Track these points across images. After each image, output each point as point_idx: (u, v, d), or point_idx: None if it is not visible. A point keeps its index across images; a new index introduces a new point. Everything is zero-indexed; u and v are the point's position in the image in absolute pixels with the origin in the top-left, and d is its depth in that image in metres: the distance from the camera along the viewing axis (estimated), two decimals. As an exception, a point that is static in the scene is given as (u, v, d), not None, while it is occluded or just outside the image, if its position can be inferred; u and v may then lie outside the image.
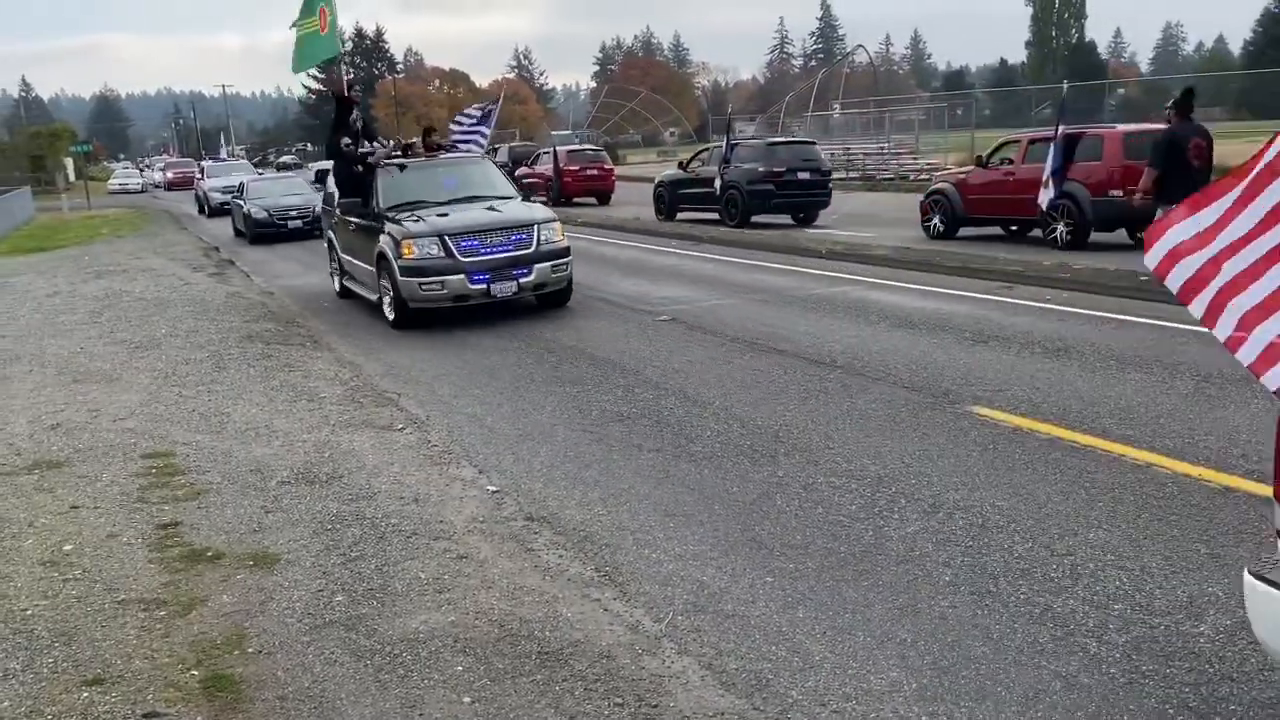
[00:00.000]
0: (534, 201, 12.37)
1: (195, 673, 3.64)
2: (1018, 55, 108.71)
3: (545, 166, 30.16)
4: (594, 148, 36.50)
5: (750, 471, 5.69)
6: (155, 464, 6.12)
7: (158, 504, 5.41)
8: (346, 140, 11.70)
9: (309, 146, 79.26)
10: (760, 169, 19.96)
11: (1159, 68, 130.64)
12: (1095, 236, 14.10)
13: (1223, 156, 25.91)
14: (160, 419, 7.20)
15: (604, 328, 10.15)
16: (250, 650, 3.81)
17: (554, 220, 10.99)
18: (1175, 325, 8.74)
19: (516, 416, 7.14)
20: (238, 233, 24.25)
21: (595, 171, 30.17)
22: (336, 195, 12.50)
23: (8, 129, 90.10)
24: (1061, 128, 13.05)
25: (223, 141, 58.73)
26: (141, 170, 76.10)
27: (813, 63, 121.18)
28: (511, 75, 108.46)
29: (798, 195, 20.22)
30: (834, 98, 46.26)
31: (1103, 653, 3.61)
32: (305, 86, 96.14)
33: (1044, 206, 13.51)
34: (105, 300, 13.53)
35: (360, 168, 11.59)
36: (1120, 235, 14.10)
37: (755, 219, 20.11)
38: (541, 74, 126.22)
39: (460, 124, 15.82)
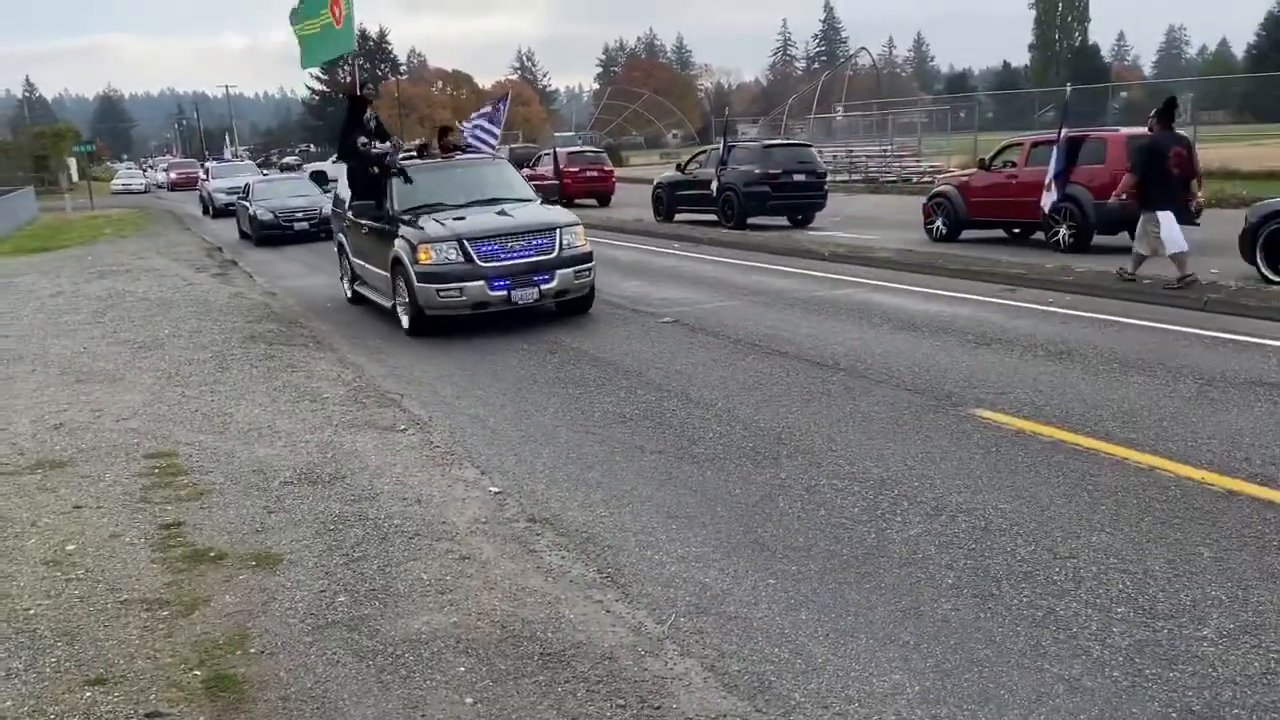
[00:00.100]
0: (553, 204, 11.91)
1: (198, 673, 3.65)
2: (1021, 58, 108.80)
3: (546, 168, 30.20)
4: (594, 149, 36.58)
5: (753, 473, 5.69)
6: (158, 464, 6.12)
7: (160, 504, 5.42)
8: (364, 140, 11.31)
9: (311, 147, 79.41)
10: (756, 171, 20.10)
11: (1162, 71, 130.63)
12: (1098, 239, 14.10)
13: (1226, 160, 25.95)
14: (163, 419, 7.21)
15: (606, 329, 10.15)
16: (253, 650, 3.81)
17: (576, 224, 10.59)
18: (1178, 328, 8.75)
19: (519, 418, 7.14)
20: (242, 234, 24.02)
21: (595, 173, 30.22)
22: (347, 197, 12.18)
23: (11, 129, 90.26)
24: (1064, 131, 13.04)
25: (227, 142, 58.76)
26: (145, 171, 76.19)
27: (816, 65, 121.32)
28: (515, 77, 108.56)
29: (793, 197, 20.36)
30: (837, 100, 46.30)
31: (1106, 656, 3.60)
32: (309, 87, 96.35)
33: (1047, 209, 13.51)
34: (108, 300, 13.55)
35: (377, 169, 11.16)
36: (1123, 238, 14.05)
37: (752, 220, 20.24)
38: (545, 75, 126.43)
39: (469, 123, 15.31)
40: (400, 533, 4.91)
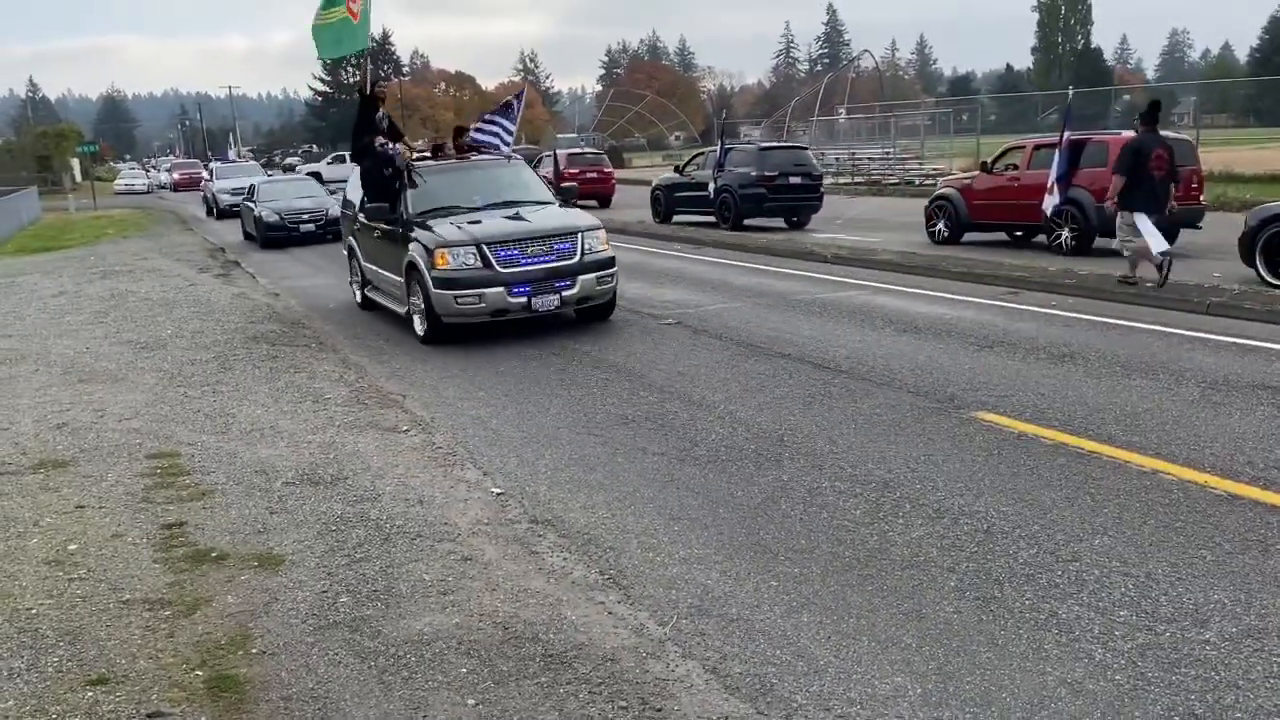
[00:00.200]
0: (572, 206, 11.46)
1: (200, 673, 3.65)
2: (1023, 61, 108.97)
3: (546, 170, 30.21)
4: (594, 151, 36.65)
5: (755, 475, 5.69)
6: (160, 464, 6.13)
7: (163, 504, 5.42)
8: (382, 140, 10.90)
9: (314, 148, 79.47)
10: (752, 173, 20.31)
11: (1165, 74, 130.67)
12: (1099, 242, 14.09)
13: (1228, 163, 25.92)
14: (165, 419, 7.22)
15: (608, 331, 10.15)
16: (254, 651, 3.81)
17: (598, 228, 10.26)
18: (1181, 331, 8.74)
19: (521, 419, 7.15)
20: (247, 236, 23.76)
21: (595, 175, 30.27)
22: (358, 199, 11.85)
23: (15, 129, 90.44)
24: (1067, 134, 13.05)
25: (231, 143, 58.71)
26: (147, 171, 76.28)
27: (818, 67, 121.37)
28: (517, 78, 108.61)
29: (789, 199, 20.60)
30: (839, 102, 46.30)
31: (1108, 659, 3.60)
32: (311, 88, 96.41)
33: (1049, 212, 13.52)
34: (111, 300, 13.56)
35: (391, 170, 10.79)
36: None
37: (748, 222, 20.47)
38: (548, 77, 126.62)
39: (484, 121, 14.34)
40: (402, 534, 4.91)
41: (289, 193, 23.58)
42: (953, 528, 4.81)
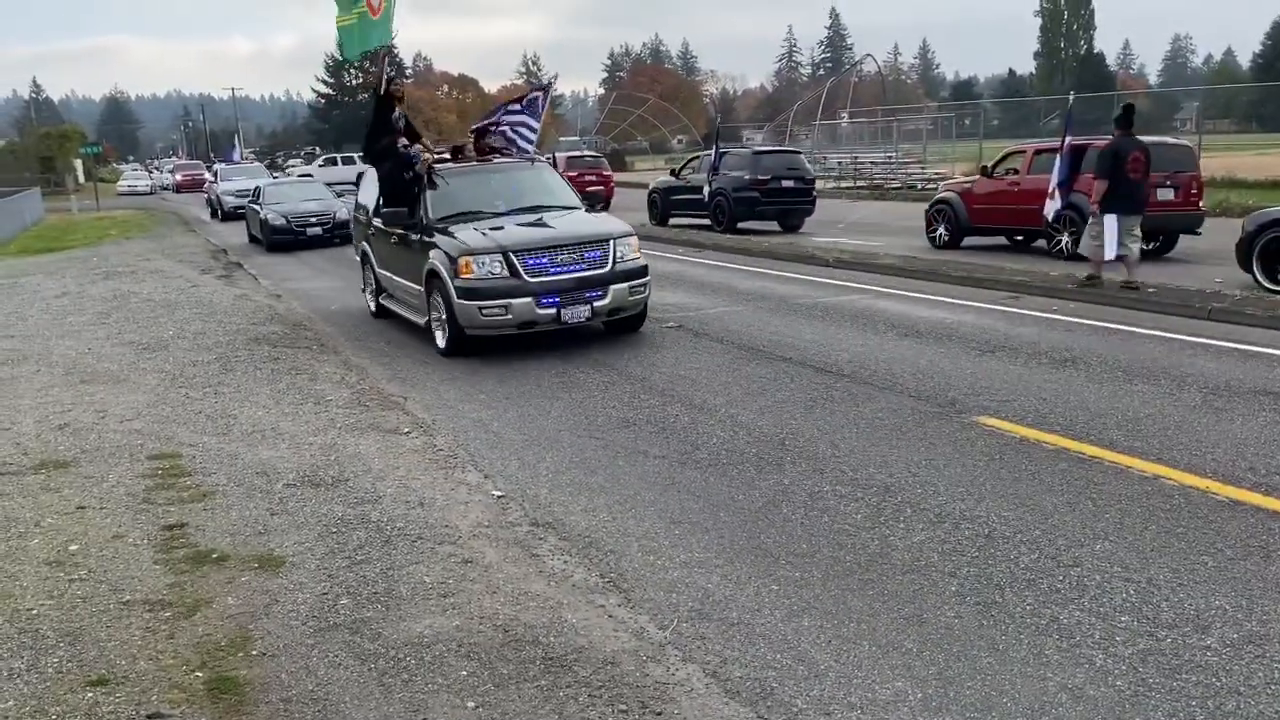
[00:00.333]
0: (599, 211, 10.75)
1: (199, 674, 3.65)
2: (1026, 66, 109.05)
3: None
4: (593, 154, 36.68)
5: (756, 479, 5.68)
6: (162, 465, 6.13)
7: (164, 505, 5.42)
8: (404, 142, 10.42)
9: (317, 150, 79.52)
10: (746, 177, 20.67)
11: (1168, 79, 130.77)
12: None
13: (1230, 169, 25.89)
14: (167, 420, 7.22)
15: (609, 334, 10.14)
16: (255, 652, 3.81)
17: (630, 235, 9.69)
18: (1182, 337, 8.74)
19: (522, 422, 7.15)
20: (252, 239, 23.37)
21: (594, 178, 30.31)
22: (372, 202, 11.38)
23: (18, 130, 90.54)
24: (1068, 139, 13.04)
25: (236, 144, 58.66)
26: (150, 172, 76.36)
27: (821, 71, 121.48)
28: (520, 81, 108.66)
29: (782, 202, 20.95)
30: (842, 106, 46.30)
31: (1109, 665, 3.60)
32: (314, 90, 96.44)
33: (1050, 218, 13.50)
34: (113, 301, 13.58)
35: (411, 174, 10.22)
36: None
37: (742, 225, 20.80)
38: (554, 78, 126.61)
39: (503, 115, 12.93)
40: (403, 536, 4.91)
41: (295, 195, 23.19)
42: (954, 532, 4.80)
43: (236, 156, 52.58)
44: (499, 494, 5.58)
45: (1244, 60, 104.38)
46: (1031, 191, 14.39)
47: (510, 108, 12.10)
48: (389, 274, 11.20)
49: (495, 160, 11.12)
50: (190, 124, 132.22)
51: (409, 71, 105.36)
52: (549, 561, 4.62)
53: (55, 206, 42.36)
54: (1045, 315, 10.05)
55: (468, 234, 9.29)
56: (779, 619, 4.05)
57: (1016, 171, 15.51)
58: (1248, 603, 3.97)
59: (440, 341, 9.51)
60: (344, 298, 13.84)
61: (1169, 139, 16.61)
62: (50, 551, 4.82)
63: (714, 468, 5.91)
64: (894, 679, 3.58)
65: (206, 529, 5.07)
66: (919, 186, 29.73)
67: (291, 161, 71.26)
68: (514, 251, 8.95)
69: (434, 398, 7.99)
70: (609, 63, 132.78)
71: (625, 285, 9.34)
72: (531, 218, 9.80)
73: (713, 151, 22.02)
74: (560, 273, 9.06)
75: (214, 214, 33.32)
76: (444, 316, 9.30)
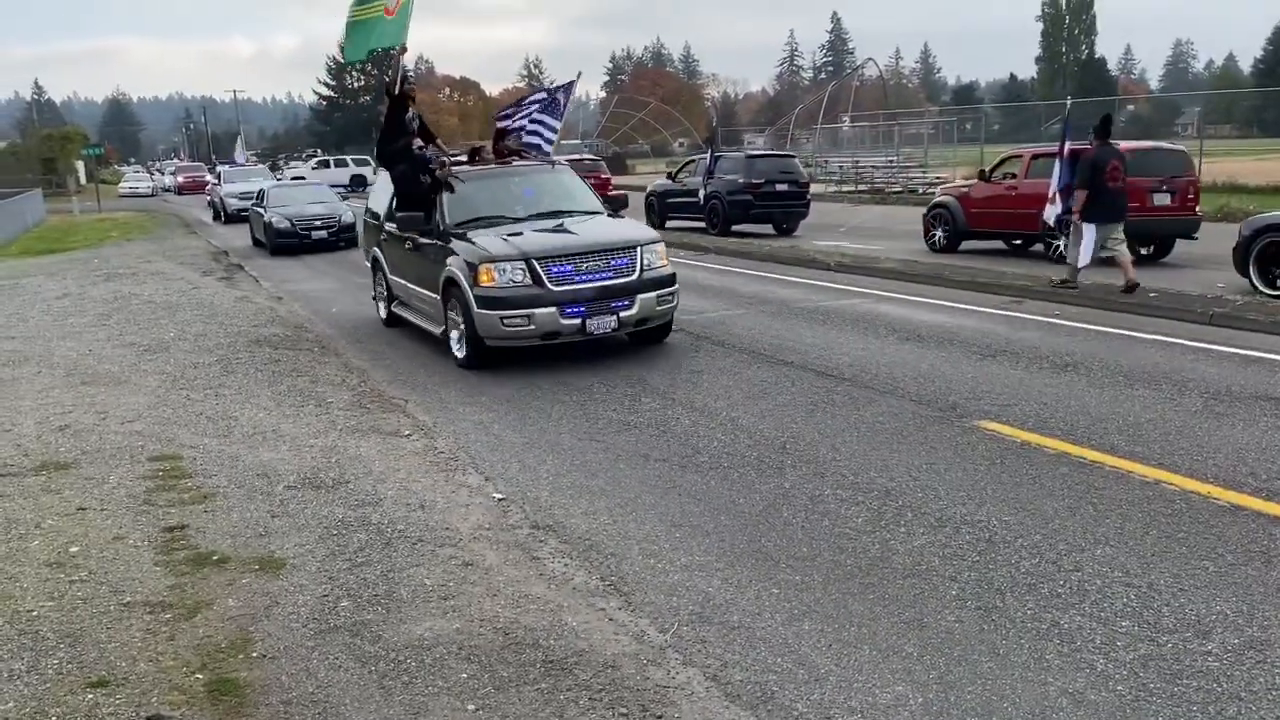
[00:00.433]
0: (622, 217, 10.48)
1: (200, 676, 3.64)
2: (1028, 70, 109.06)
3: None
4: (592, 157, 36.73)
5: (757, 482, 5.68)
6: (162, 467, 6.13)
7: (164, 507, 5.42)
8: (419, 143, 10.08)
9: (318, 152, 79.61)
10: (740, 180, 20.94)
11: (1169, 84, 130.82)
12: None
13: (1232, 174, 25.88)
14: (168, 422, 7.22)
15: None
16: (255, 654, 3.81)
17: (658, 241, 9.32)
18: (1183, 342, 8.73)
19: (523, 424, 7.15)
20: (256, 242, 23.05)
21: (592, 182, 30.30)
22: (383, 207, 11.04)
23: (20, 131, 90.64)
24: (1067, 144, 13.05)
25: (239, 146, 58.59)
26: (152, 174, 76.38)
27: (822, 75, 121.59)
28: (522, 84, 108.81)
29: (775, 206, 21.21)
30: (843, 110, 46.32)
31: (1110, 670, 3.59)
32: (316, 93, 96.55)
33: (1050, 222, 13.49)
34: (114, 303, 13.58)
35: (429, 178, 9.82)
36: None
37: (736, 228, 21.07)
38: (552, 83, 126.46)
39: (522, 113, 12.09)
40: (403, 538, 4.91)
41: (300, 198, 22.79)
42: (955, 537, 4.80)
43: (240, 158, 52.53)
44: (500, 497, 5.58)
45: (1245, 65, 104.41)
46: (1029, 196, 14.42)
47: (532, 104, 11.73)
48: (402, 281, 10.81)
49: (514, 163, 10.79)
50: (192, 126, 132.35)
51: (411, 74, 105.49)
52: (549, 564, 4.62)
53: (57, 208, 42.39)
54: (1047, 320, 10.05)
55: (488, 240, 8.94)
56: (780, 623, 4.04)
57: (1014, 176, 15.53)
58: (1249, 608, 3.97)
59: (458, 353, 9.11)
60: (344, 300, 13.85)
61: (1165, 144, 16.61)
62: (51, 553, 4.82)
63: (715, 471, 5.91)
64: (895, 683, 3.57)
65: (207, 531, 5.07)
66: (920, 191, 29.73)
67: (291, 163, 71.35)
68: (538, 258, 8.60)
69: (434, 400, 7.99)
70: (611, 66, 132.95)
71: (653, 294, 8.96)
72: (552, 223, 9.43)
73: (708, 155, 22.32)
74: (586, 281, 8.68)
75: (217, 216, 33.28)
76: (462, 326, 8.93)
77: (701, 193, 21.49)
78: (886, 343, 9.27)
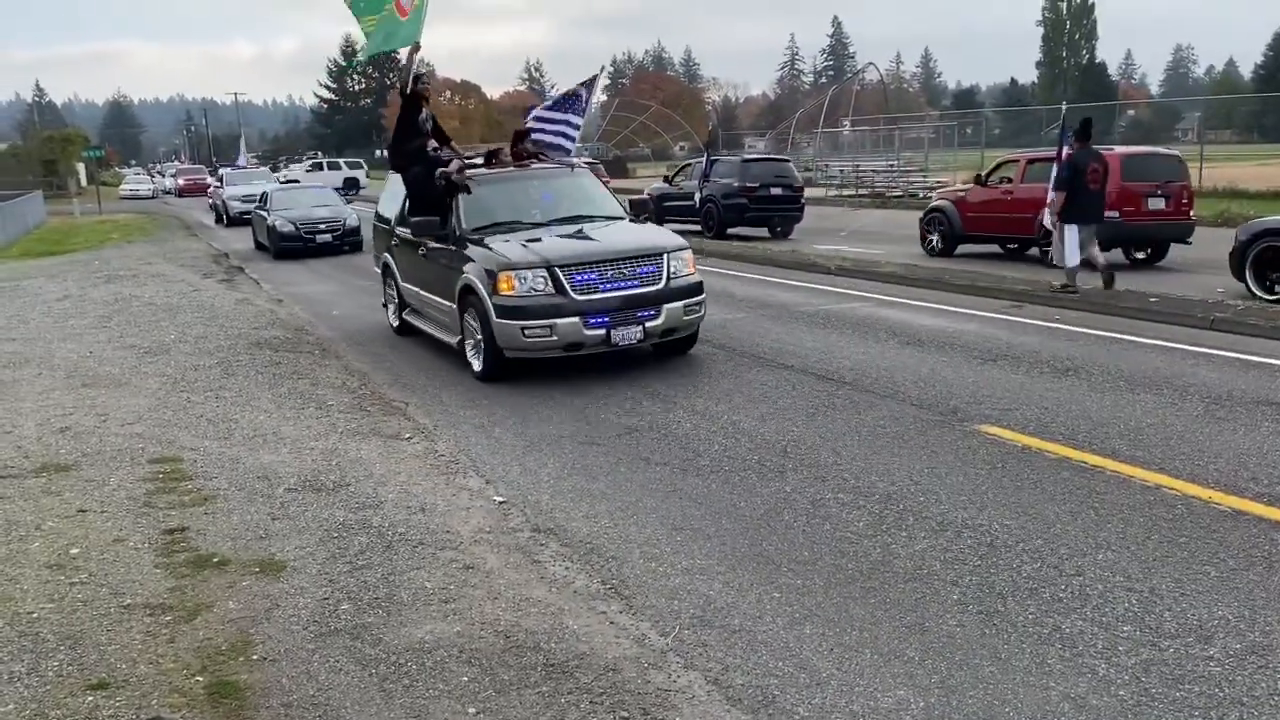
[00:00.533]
0: (645, 222, 9.93)
1: (200, 679, 3.64)
2: (1028, 75, 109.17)
3: None
4: (590, 160, 36.84)
5: (758, 486, 5.68)
6: (163, 469, 6.12)
7: (165, 509, 5.42)
8: (433, 144, 9.74)
9: (319, 154, 79.68)
10: (735, 184, 21.15)
11: (1169, 89, 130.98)
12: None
13: (1232, 180, 25.90)
14: (168, 424, 7.22)
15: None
16: (255, 657, 3.80)
17: (685, 249, 8.97)
18: (1184, 347, 8.73)
19: (523, 427, 7.14)
20: (259, 245, 22.67)
21: None
22: (394, 211, 10.77)
23: (21, 133, 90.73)
24: (1065, 149, 13.07)
25: (242, 148, 58.61)
26: (153, 176, 76.42)
27: (823, 79, 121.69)
28: (523, 88, 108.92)
29: (770, 209, 21.38)
30: (844, 114, 46.35)
31: (1111, 674, 3.59)
32: (317, 95, 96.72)
33: (1048, 225, 13.51)
34: (115, 305, 13.58)
35: (445, 181, 9.37)
36: (1116, 255, 14.08)
37: (731, 231, 21.26)
38: (553, 87, 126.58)
39: (541, 114, 11.66)
40: (404, 541, 4.91)
41: (304, 201, 22.40)
42: (956, 541, 4.80)
43: (243, 161, 52.52)
44: (500, 500, 5.58)
45: (1246, 71, 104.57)
46: (1025, 200, 14.48)
47: (554, 103, 11.40)
48: (415, 288, 10.38)
49: (533, 166, 10.35)
50: (193, 128, 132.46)
51: (424, 73, 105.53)
52: (550, 568, 4.61)
53: (57, 210, 42.41)
54: (1047, 324, 10.05)
55: (507, 246, 8.54)
56: (781, 626, 4.04)
57: (1010, 181, 15.56)
58: (1250, 613, 3.97)
59: (475, 365, 8.71)
60: (345, 303, 13.85)
61: (1160, 149, 16.66)
62: (51, 555, 4.82)
63: (716, 475, 5.91)
64: (896, 687, 3.57)
65: (207, 533, 5.06)
66: (920, 195, 29.75)
67: (289, 166, 71.43)
68: (560, 266, 8.22)
69: (434, 402, 7.99)
70: (612, 69, 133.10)
71: (680, 304, 8.60)
72: (572, 229, 9.11)
73: (704, 158, 22.51)
74: (610, 289, 8.30)
75: (219, 219, 33.14)
76: (480, 337, 8.54)
77: (697, 196, 21.67)
78: (887, 347, 9.27)
